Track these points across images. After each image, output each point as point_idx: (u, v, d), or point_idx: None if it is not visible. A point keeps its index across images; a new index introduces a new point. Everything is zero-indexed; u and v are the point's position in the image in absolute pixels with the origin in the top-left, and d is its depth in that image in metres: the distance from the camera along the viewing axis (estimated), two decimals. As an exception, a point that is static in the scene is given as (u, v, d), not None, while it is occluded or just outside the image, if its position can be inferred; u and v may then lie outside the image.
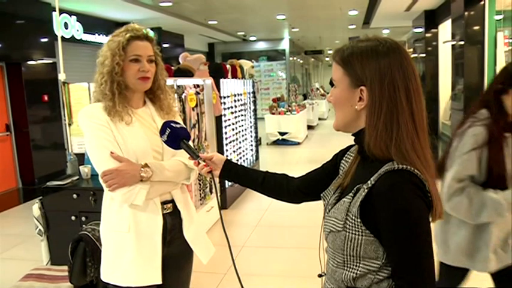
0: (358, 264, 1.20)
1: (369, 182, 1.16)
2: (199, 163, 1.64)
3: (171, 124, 1.72)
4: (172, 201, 2.08)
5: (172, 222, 2.07)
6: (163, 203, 2.04)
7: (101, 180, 1.91)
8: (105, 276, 2.04)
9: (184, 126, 1.80)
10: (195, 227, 2.16)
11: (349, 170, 1.34)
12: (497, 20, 8.05)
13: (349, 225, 1.18)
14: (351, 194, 1.21)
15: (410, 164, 1.14)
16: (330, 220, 1.25)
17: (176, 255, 2.13)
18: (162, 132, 1.73)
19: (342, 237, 1.20)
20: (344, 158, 1.42)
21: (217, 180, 1.66)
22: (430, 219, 1.17)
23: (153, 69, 2.03)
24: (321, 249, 1.40)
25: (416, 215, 1.11)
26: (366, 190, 1.16)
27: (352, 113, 1.23)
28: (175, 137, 1.71)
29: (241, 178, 1.67)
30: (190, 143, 1.75)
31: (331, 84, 1.32)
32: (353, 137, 1.31)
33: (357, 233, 1.17)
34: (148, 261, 1.98)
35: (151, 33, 2.08)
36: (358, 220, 1.16)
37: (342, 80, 1.24)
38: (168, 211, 2.06)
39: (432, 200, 1.15)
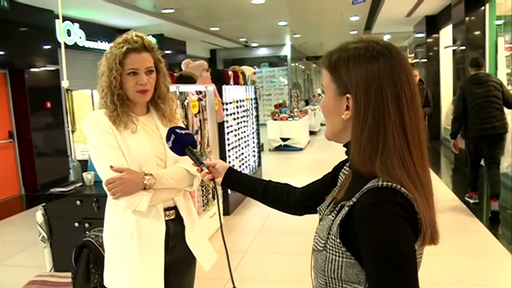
0: None
1: (351, 200, 1.06)
2: (202, 170, 1.62)
3: (176, 130, 1.71)
4: (175, 207, 2.08)
5: (175, 228, 2.07)
6: (166, 210, 2.04)
7: (105, 188, 1.92)
8: (108, 282, 2.05)
9: (189, 131, 1.79)
10: (197, 233, 2.16)
11: (343, 184, 1.22)
12: (497, 25, 8.08)
13: (330, 246, 1.08)
14: (335, 212, 1.12)
15: (397, 182, 1.02)
16: (315, 237, 1.16)
17: (179, 262, 2.13)
18: (167, 138, 1.72)
19: (323, 258, 1.10)
20: (342, 170, 1.31)
21: (219, 187, 1.65)
22: (418, 244, 1.04)
23: (152, 80, 2.01)
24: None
25: (396, 238, 0.99)
26: (347, 209, 1.06)
27: (339, 122, 1.13)
28: (180, 143, 1.69)
29: (242, 187, 1.62)
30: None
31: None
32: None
33: (337, 255, 1.07)
34: (151, 267, 1.98)
35: (152, 40, 2.06)
36: (338, 241, 1.06)
37: (329, 87, 1.15)
38: (171, 218, 2.06)
39: (421, 223, 1.02)
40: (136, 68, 1.95)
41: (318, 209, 1.29)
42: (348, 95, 1.09)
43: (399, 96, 1.05)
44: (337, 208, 1.12)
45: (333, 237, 1.08)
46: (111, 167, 1.89)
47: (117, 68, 1.92)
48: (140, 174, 1.92)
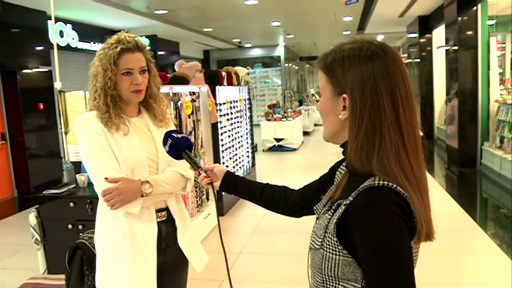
0: (336, 286, 1.11)
1: (348, 198, 1.08)
2: (200, 174, 1.63)
3: (173, 135, 1.70)
4: (166, 209, 2.08)
5: (167, 230, 2.07)
6: (158, 211, 2.04)
7: (99, 195, 1.90)
8: (100, 284, 2.04)
9: (185, 135, 1.78)
10: (189, 235, 2.16)
11: (340, 183, 1.24)
12: (489, 25, 8.14)
13: (327, 244, 1.10)
14: (332, 210, 1.13)
15: (393, 179, 1.04)
16: (312, 236, 1.17)
17: (171, 263, 2.13)
18: (164, 143, 1.71)
19: (320, 256, 1.12)
20: (339, 170, 1.33)
21: (216, 191, 1.65)
22: (414, 241, 1.06)
23: (145, 79, 2.02)
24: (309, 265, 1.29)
25: (392, 237, 1.01)
26: (344, 207, 1.08)
27: (337, 122, 1.15)
28: (177, 148, 1.69)
29: (240, 191, 1.63)
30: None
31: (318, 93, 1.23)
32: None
33: (334, 253, 1.08)
34: (143, 269, 1.97)
35: (143, 41, 2.05)
36: (335, 239, 1.08)
37: (325, 88, 1.16)
38: (163, 219, 2.06)
39: (417, 221, 1.04)
40: (131, 67, 1.95)
41: (314, 208, 1.31)
42: (344, 95, 1.11)
43: (394, 94, 1.07)
44: (333, 207, 1.13)
45: (330, 236, 1.09)
46: (105, 178, 1.86)
47: (112, 68, 1.91)
48: (137, 182, 1.90)
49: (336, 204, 1.13)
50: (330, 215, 1.13)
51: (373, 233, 1.02)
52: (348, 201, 1.07)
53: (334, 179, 1.33)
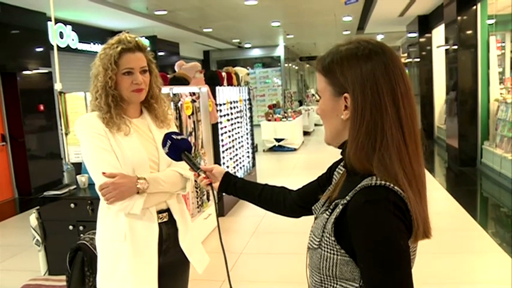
0: (334, 285, 1.11)
1: (345, 198, 1.08)
2: (199, 175, 1.63)
3: (172, 136, 1.71)
4: (167, 210, 2.08)
5: (168, 231, 2.08)
6: (159, 212, 2.04)
7: (99, 193, 1.91)
8: (101, 285, 2.04)
9: (185, 136, 1.78)
10: (190, 236, 2.16)
11: (338, 183, 1.24)
12: (489, 25, 8.14)
13: (325, 243, 1.10)
14: (329, 210, 1.13)
15: (393, 176, 1.04)
16: (310, 235, 1.17)
17: (172, 265, 2.13)
18: (163, 144, 1.72)
19: (318, 255, 1.12)
20: (337, 170, 1.33)
21: (215, 192, 1.65)
22: (411, 240, 1.06)
23: (146, 79, 2.02)
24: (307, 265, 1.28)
25: (390, 236, 1.01)
26: (341, 207, 1.08)
27: (339, 123, 1.15)
28: (176, 149, 1.69)
29: (239, 191, 1.64)
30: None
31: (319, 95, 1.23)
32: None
33: (332, 252, 1.09)
34: (144, 270, 1.97)
35: (144, 41, 2.06)
36: (333, 238, 1.08)
37: (325, 90, 1.16)
38: (164, 220, 2.06)
39: (413, 220, 1.04)
40: (131, 67, 1.96)
41: (313, 208, 1.30)
42: (345, 95, 1.11)
43: (394, 92, 1.08)
44: (331, 206, 1.14)
45: (328, 235, 1.10)
46: (103, 173, 1.88)
47: (113, 68, 1.92)
48: (133, 178, 1.91)
49: (333, 203, 1.14)
50: (327, 214, 1.13)
51: (370, 232, 1.02)
52: (345, 201, 1.08)
53: (332, 179, 1.33)
